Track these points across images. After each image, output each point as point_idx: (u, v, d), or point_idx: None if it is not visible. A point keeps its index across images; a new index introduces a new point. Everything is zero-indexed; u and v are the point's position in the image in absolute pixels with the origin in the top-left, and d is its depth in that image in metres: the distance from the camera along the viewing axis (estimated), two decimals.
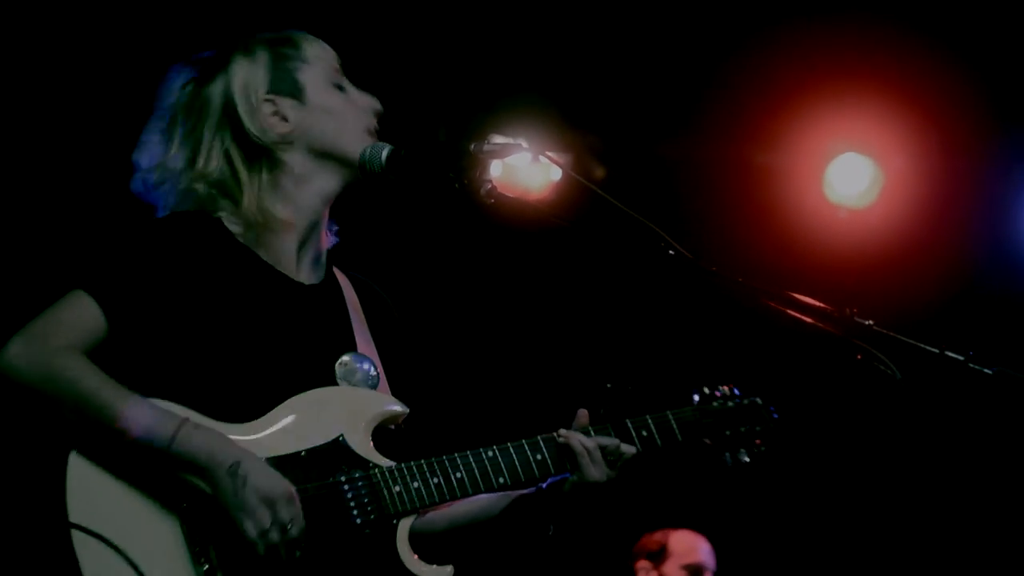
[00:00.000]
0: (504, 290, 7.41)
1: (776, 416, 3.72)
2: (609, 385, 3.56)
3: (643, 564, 6.85)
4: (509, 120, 6.80)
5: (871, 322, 3.28)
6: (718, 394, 3.72)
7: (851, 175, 7.31)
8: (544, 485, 3.46)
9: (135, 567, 3.07)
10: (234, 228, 3.41)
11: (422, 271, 6.94)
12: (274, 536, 3.12)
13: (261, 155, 3.45)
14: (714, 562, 6.82)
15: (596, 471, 3.43)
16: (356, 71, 3.60)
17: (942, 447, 7.67)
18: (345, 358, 3.44)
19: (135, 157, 3.51)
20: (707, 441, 3.66)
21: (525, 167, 7.03)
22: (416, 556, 3.31)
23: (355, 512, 3.27)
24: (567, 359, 7.40)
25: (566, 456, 3.45)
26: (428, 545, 3.42)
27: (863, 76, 6.86)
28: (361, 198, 3.58)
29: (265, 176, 3.44)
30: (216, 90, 3.48)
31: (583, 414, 3.51)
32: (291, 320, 3.40)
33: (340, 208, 3.59)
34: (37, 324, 3.20)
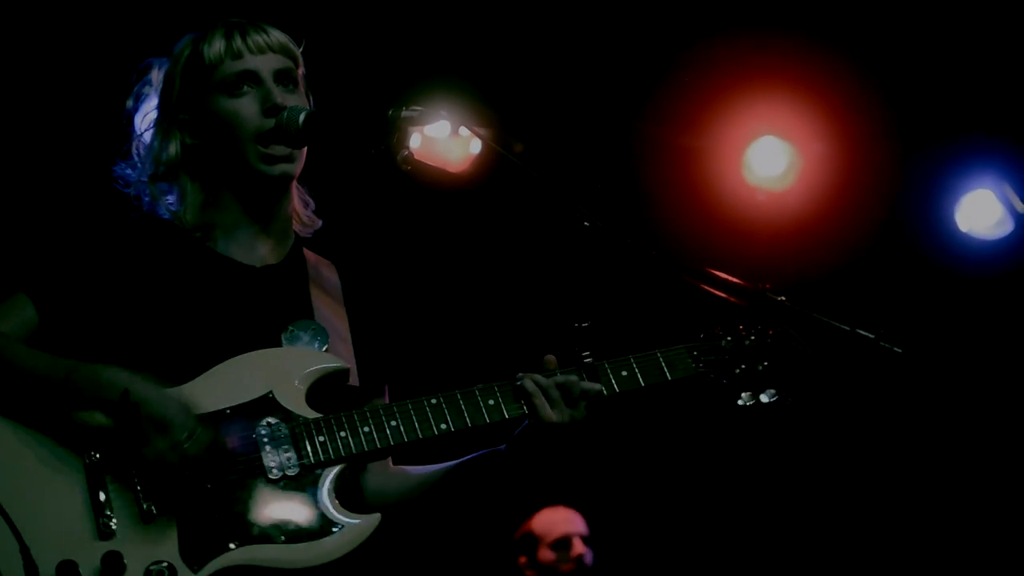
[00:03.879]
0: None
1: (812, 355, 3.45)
2: (577, 325, 3.39)
3: (523, 561, 6.85)
4: (431, 94, 6.76)
5: (783, 298, 3.31)
6: (729, 335, 3.53)
7: (769, 158, 7.38)
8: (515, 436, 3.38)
9: (17, 536, 3.01)
10: (186, 225, 3.46)
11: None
12: (172, 457, 3.11)
13: (194, 163, 3.48)
14: (583, 526, 6.83)
15: (554, 412, 3.33)
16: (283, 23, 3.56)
17: (849, 421, 7.76)
18: (291, 326, 3.42)
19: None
20: (712, 375, 3.49)
21: (445, 140, 6.99)
22: (338, 502, 3.26)
23: (272, 464, 3.24)
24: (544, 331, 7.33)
25: (523, 399, 3.36)
26: (406, 513, 3.44)
27: (783, 64, 6.95)
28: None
29: (197, 184, 3.48)
30: (154, 103, 3.54)
31: (550, 359, 3.42)
32: (234, 299, 3.40)
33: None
34: None
